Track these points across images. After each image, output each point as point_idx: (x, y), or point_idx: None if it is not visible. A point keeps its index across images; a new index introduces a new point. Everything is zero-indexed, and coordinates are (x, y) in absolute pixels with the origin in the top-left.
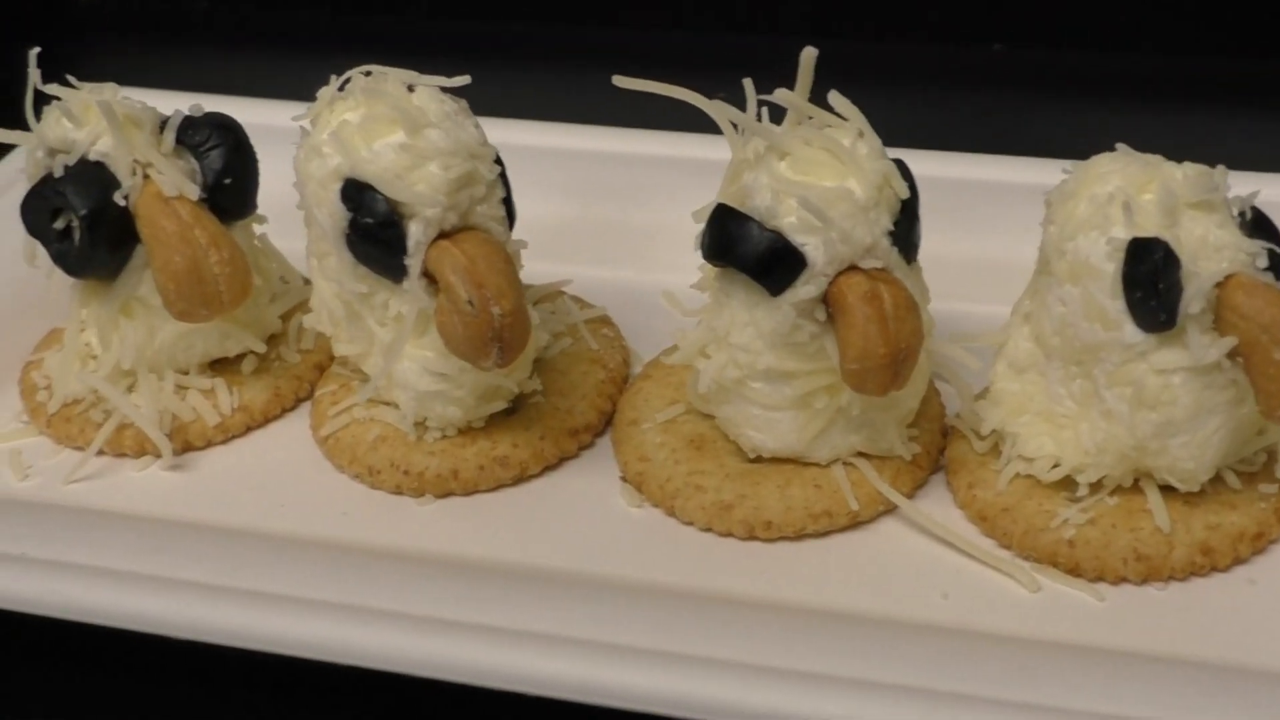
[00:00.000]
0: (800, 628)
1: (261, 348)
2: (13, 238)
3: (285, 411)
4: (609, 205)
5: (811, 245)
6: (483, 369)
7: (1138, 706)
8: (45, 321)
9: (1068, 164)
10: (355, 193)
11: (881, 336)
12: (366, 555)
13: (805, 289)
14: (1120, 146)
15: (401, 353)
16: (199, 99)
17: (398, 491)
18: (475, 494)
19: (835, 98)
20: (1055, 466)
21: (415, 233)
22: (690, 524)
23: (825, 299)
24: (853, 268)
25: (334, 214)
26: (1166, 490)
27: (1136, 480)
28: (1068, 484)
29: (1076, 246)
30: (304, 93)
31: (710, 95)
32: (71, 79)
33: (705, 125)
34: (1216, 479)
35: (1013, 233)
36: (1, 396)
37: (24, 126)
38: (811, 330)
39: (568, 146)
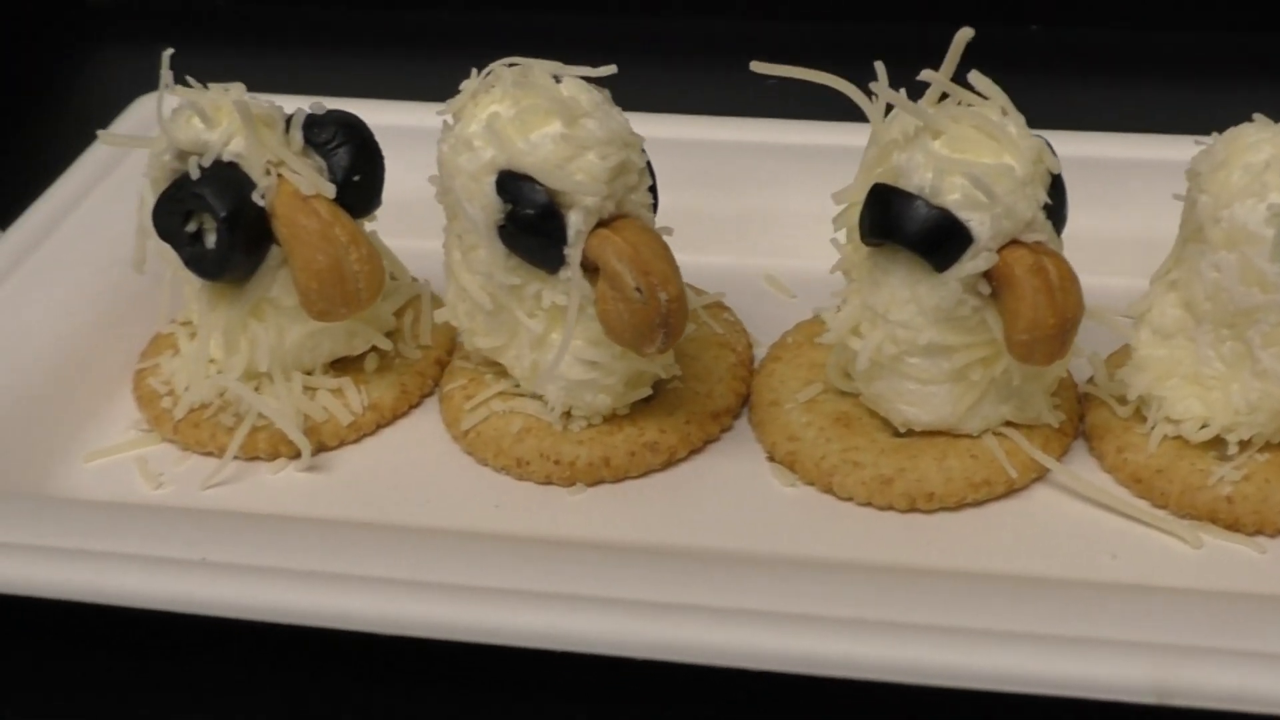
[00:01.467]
0: (989, 590)
1: (388, 344)
2: (103, 245)
3: (412, 409)
4: (704, 192)
5: (976, 221)
6: (645, 355)
7: None
8: (144, 328)
9: (1204, 138)
10: (513, 184)
11: (1050, 307)
12: (533, 543)
13: (972, 264)
14: (1258, 117)
15: (570, 342)
16: (306, 100)
17: (547, 482)
18: (625, 480)
19: (976, 77)
20: (1204, 427)
21: (575, 222)
22: (849, 499)
23: (989, 273)
24: (1015, 242)
25: (487, 206)
26: None
27: None
28: (1215, 444)
29: (1232, 214)
30: (407, 93)
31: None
32: (190, 80)
33: (790, 112)
34: None
35: (1132, 207)
36: (113, 406)
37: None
38: (974, 304)
39: (662, 136)
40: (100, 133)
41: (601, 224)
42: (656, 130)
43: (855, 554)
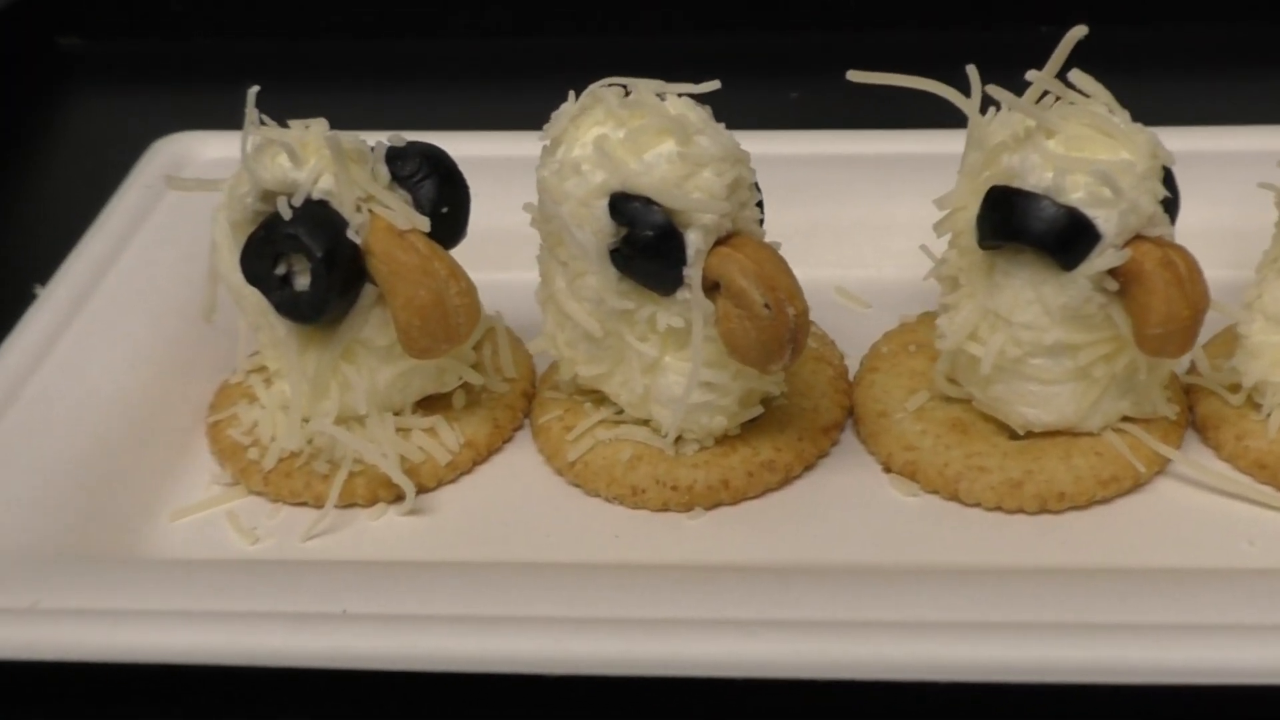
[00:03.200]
0: (1137, 585)
1: (478, 379)
2: (154, 296)
3: (505, 444)
4: (767, 207)
5: (1103, 217)
6: (769, 373)
7: None
8: (207, 379)
9: None
10: (628, 206)
11: (1183, 299)
12: (664, 571)
13: (1101, 260)
14: None
15: (676, 365)
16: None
17: (664, 508)
18: (743, 502)
19: (1078, 76)
20: None
21: (695, 241)
22: (976, 505)
23: (1114, 269)
24: (1139, 236)
25: (600, 231)
26: None
27: None
28: None
29: None
30: (459, 123)
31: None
32: (265, 118)
33: (839, 122)
34: None
35: (1220, 199)
36: (189, 461)
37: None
38: (1100, 301)
39: None
40: (168, 177)
41: (719, 242)
42: None
43: (991, 559)
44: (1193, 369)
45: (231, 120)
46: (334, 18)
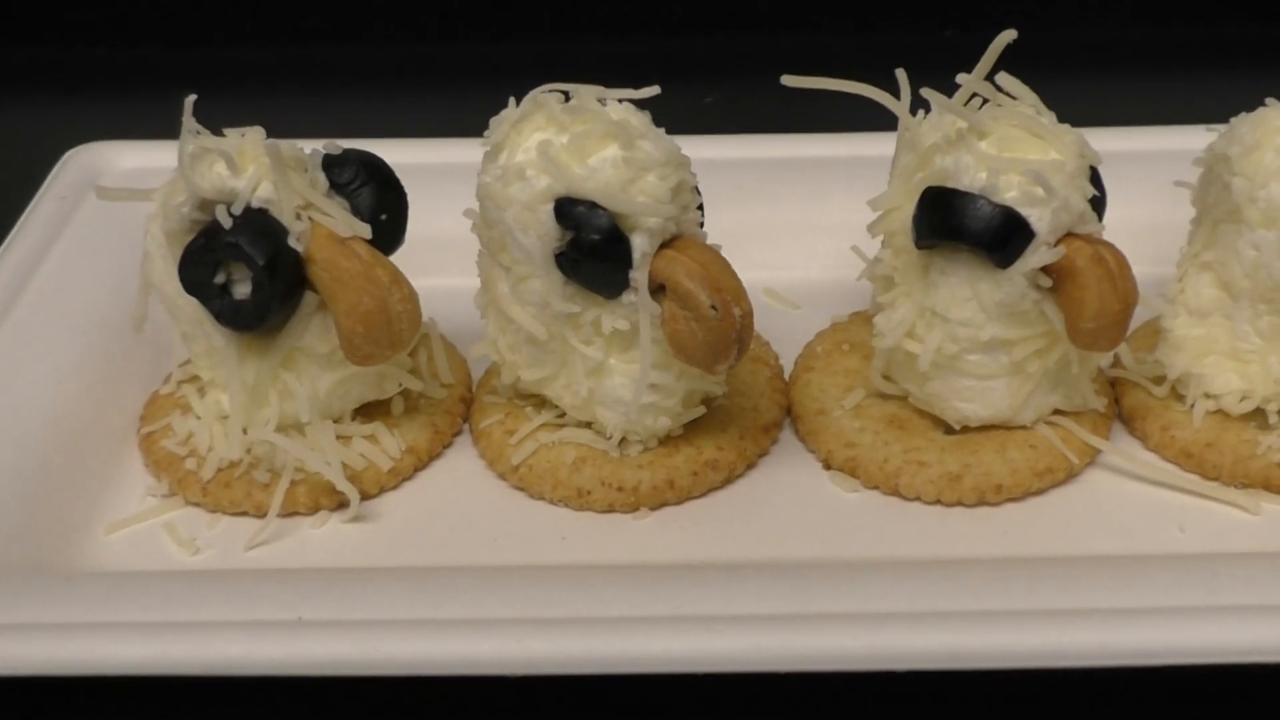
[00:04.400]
0: (1078, 572)
1: (418, 385)
2: (77, 309)
3: (445, 449)
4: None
5: (1036, 215)
6: (715, 374)
7: None
8: (136, 390)
9: (1215, 125)
10: (573, 210)
11: (1114, 294)
12: (623, 569)
13: (1036, 257)
14: (1270, 101)
15: (620, 367)
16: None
17: (609, 510)
18: (688, 501)
19: (1006, 79)
20: (1244, 399)
21: (640, 244)
22: (916, 499)
23: (1048, 266)
24: (1070, 234)
25: (545, 235)
26: None
27: None
28: (1254, 415)
29: (1270, 193)
30: (389, 130)
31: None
32: (200, 127)
33: (764, 125)
34: None
35: (1131, 197)
36: (121, 473)
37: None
38: (1035, 297)
39: None
40: (98, 188)
41: (663, 245)
42: None
43: (933, 550)
44: (1118, 362)
45: (150, 129)
46: (265, 23)
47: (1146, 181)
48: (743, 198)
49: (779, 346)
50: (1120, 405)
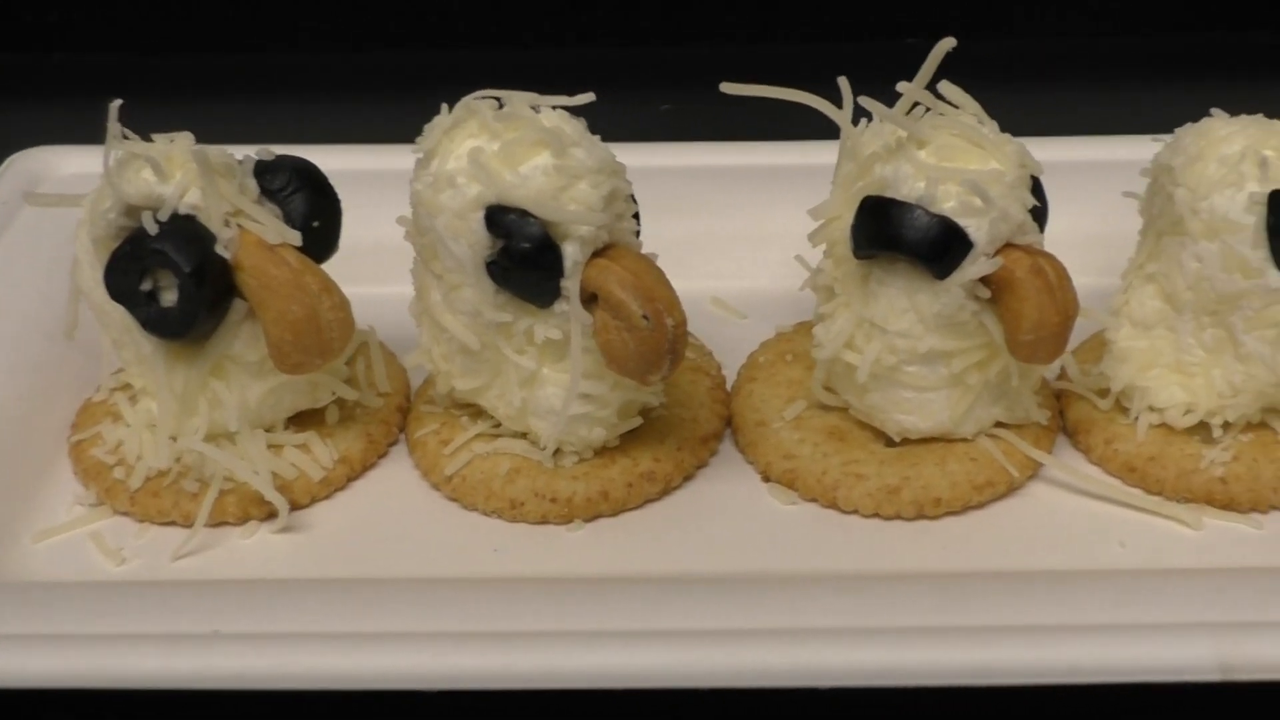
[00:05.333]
0: (1009, 588)
1: (352, 393)
2: (5, 316)
3: (380, 459)
4: (645, 218)
5: (974, 226)
6: (648, 384)
7: None
8: (67, 398)
9: (1161, 136)
10: (504, 218)
11: (1053, 306)
12: (544, 584)
13: (974, 268)
14: (1215, 112)
15: (553, 377)
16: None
17: (543, 521)
18: (623, 513)
19: (947, 87)
20: (1188, 413)
21: (572, 253)
22: (853, 512)
23: (986, 277)
24: (1009, 244)
25: (476, 244)
26: None
27: (1261, 419)
28: (1198, 429)
29: (1212, 205)
30: (328, 137)
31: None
32: (127, 133)
33: (712, 134)
34: None
35: (1084, 207)
36: (50, 482)
37: None
38: (973, 309)
39: None
40: (26, 194)
41: (596, 254)
42: None
43: (870, 564)
44: (1063, 374)
45: (90, 135)
46: (198, 30)
47: (1097, 192)
48: (694, 206)
49: (725, 356)
50: (1065, 418)
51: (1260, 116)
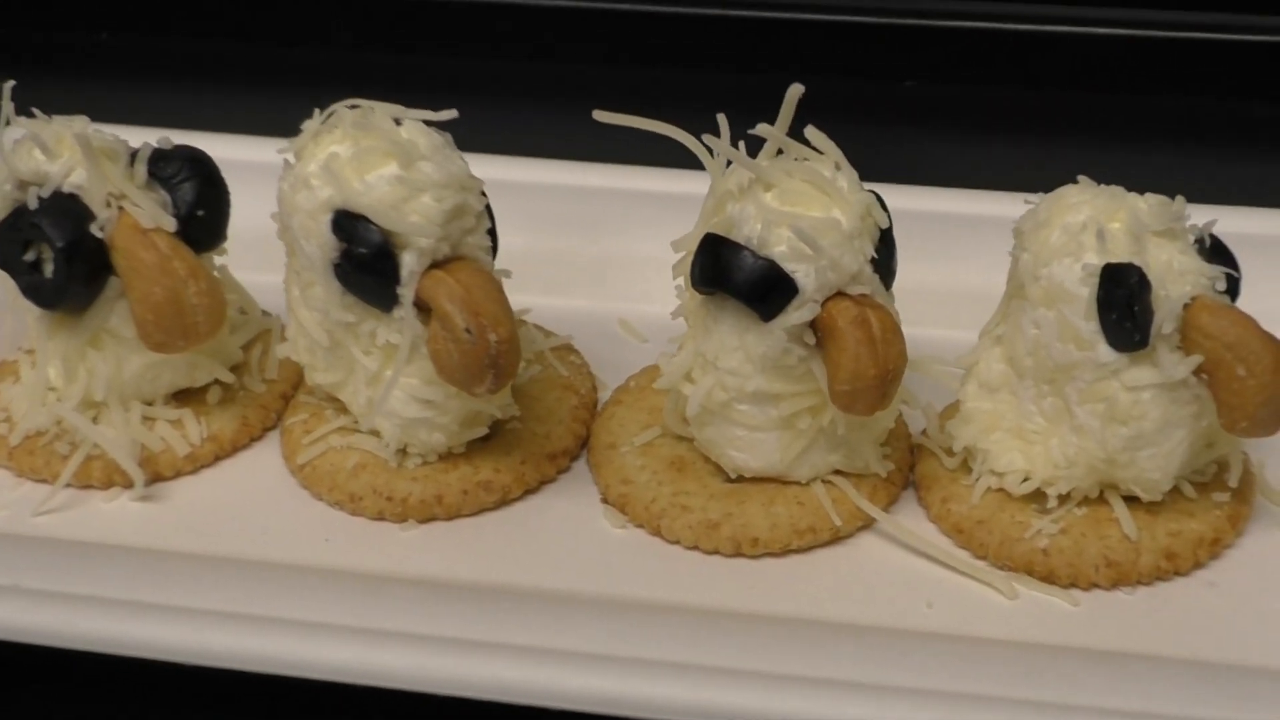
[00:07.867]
0: (798, 636)
1: (230, 377)
2: None
3: (253, 441)
4: (562, 237)
5: (802, 272)
6: (475, 395)
7: (1113, 699)
8: None
9: (1031, 196)
10: (348, 223)
11: (871, 359)
12: (358, 578)
13: (797, 314)
14: (1082, 179)
15: (399, 380)
16: (159, 134)
17: (379, 518)
18: (457, 519)
19: (812, 132)
20: (1026, 480)
21: (409, 263)
22: (676, 542)
23: (814, 324)
24: (840, 294)
25: (324, 245)
26: (1129, 501)
27: (1101, 492)
28: (1037, 496)
29: (1051, 272)
30: (266, 128)
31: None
32: (36, 111)
33: (654, 159)
34: (1174, 490)
35: (970, 261)
36: None
37: None
38: (800, 354)
39: (519, 180)
40: None
41: (436, 265)
42: (511, 174)
43: (679, 596)
44: (926, 429)
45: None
46: (142, 15)
47: (987, 246)
48: (611, 228)
49: (618, 378)
50: (915, 472)
51: (1117, 188)
